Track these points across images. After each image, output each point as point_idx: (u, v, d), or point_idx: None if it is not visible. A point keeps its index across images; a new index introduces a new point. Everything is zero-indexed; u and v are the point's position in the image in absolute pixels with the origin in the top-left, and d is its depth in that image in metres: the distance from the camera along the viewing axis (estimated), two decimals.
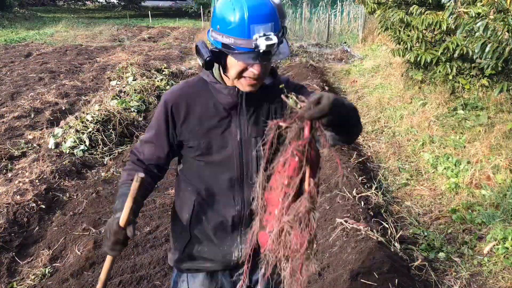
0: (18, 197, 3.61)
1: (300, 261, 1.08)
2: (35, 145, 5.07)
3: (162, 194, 3.84)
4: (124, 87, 7.27)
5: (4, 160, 4.59)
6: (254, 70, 1.29)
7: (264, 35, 1.22)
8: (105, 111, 5.42)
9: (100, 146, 4.96)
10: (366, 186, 3.65)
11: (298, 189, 1.11)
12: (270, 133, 1.11)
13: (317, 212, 1.10)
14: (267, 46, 1.21)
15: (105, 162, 4.74)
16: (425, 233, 3.21)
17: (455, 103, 5.39)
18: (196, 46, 1.37)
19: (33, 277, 2.78)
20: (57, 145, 4.87)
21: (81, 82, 8.41)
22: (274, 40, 1.21)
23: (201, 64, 1.37)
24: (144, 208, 3.53)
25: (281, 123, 1.10)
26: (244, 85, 1.35)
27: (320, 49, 12.75)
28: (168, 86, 7.87)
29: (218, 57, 1.34)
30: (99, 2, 35.71)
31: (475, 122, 4.74)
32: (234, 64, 1.31)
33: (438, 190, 3.85)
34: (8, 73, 9.22)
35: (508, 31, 3.41)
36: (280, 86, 1.15)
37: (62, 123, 5.45)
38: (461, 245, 3.05)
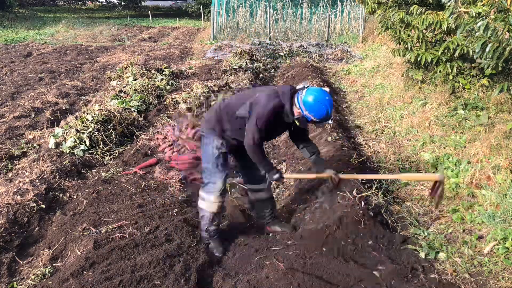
0: (19, 197, 3.61)
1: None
2: (35, 145, 5.08)
3: (162, 194, 3.84)
4: (124, 87, 7.27)
5: (4, 160, 4.59)
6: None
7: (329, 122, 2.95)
8: (105, 111, 5.42)
9: (101, 146, 4.96)
10: (366, 186, 3.65)
11: None
12: None
13: None
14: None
15: (105, 162, 4.74)
16: (425, 233, 3.20)
17: (456, 103, 5.39)
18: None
19: (33, 277, 2.78)
20: (57, 145, 4.88)
21: (81, 82, 8.42)
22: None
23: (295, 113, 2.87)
24: (144, 208, 3.53)
25: None
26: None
27: (320, 49, 12.75)
28: (168, 86, 7.88)
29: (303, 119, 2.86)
30: (99, 2, 35.73)
31: (476, 122, 4.74)
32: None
33: None
34: (9, 73, 9.23)
35: (508, 31, 3.41)
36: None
37: (62, 123, 5.45)
38: (461, 245, 3.05)
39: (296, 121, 2.88)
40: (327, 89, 2.82)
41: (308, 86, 2.85)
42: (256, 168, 3.10)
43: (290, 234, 3.21)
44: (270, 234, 3.32)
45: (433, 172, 4.13)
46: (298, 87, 2.89)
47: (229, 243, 3.18)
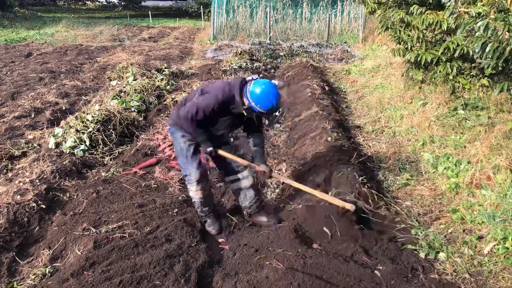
0: (19, 197, 3.61)
1: None
2: (35, 145, 5.08)
3: (162, 194, 3.84)
4: (124, 87, 7.27)
5: (4, 160, 4.59)
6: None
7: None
8: (106, 111, 5.42)
9: (101, 146, 4.96)
10: (366, 186, 3.65)
11: None
12: None
13: None
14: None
15: (105, 162, 4.74)
16: (425, 233, 3.20)
17: (456, 103, 5.39)
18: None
19: (33, 277, 2.78)
20: (57, 145, 4.88)
21: (82, 82, 8.42)
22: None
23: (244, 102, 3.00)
24: (144, 208, 3.53)
25: None
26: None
27: (321, 49, 12.75)
28: (168, 86, 7.88)
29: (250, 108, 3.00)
30: (99, 2, 35.74)
31: (476, 122, 4.74)
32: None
33: (439, 190, 3.85)
34: (9, 73, 9.22)
35: (508, 31, 3.41)
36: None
37: (62, 123, 5.45)
38: (461, 245, 3.05)
39: (244, 112, 3.01)
40: (276, 82, 2.96)
41: (257, 78, 2.97)
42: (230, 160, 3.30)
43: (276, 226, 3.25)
44: (265, 232, 3.32)
45: (434, 171, 4.14)
46: (247, 78, 3.01)
47: (229, 242, 3.18)
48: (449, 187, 3.76)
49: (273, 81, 2.98)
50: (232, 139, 4.77)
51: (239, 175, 3.35)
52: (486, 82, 5.12)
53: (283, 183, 3.94)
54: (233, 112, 3.07)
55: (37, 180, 3.97)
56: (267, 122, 6.04)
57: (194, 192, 3.27)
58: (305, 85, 7.54)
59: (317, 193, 3.14)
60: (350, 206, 2.96)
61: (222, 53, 12.17)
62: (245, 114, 3.02)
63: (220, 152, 3.19)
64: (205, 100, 2.97)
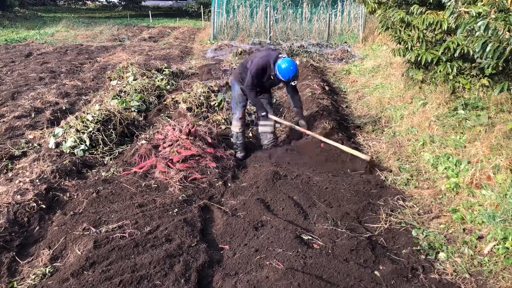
0: (19, 196, 3.61)
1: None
2: (35, 144, 5.08)
3: (162, 194, 3.84)
4: (124, 87, 7.27)
5: (4, 159, 4.59)
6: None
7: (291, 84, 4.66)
8: (106, 111, 5.42)
9: (101, 146, 4.96)
10: None
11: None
12: None
13: None
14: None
15: (105, 162, 4.74)
16: (425, 233, 3.20)
17: (456, 103, 5.38)
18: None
19: (33, 276, 2.78)
20: (57, 144, 4.88)
21: (82, 81, 8.42)
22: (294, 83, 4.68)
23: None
24: (144, 208, 3.53)
25: None
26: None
27: (321, 48, 12.74)
28: (168, 86, 7.88)
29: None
30: (99, 1, 35.74)
31: (476, 122, 4.74)
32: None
33: (439, 190, 3.85)
34: (9, 72, 9.22)
35: (509, 31, 3.41)
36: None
37: (62, 122, 5.45)
38: (461, 245, 3.05)
39: (271, 76, 4.50)
40: (297, 61, 4.01)
41: (285, 57, 4.43)
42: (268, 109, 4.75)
43: None
44: (265, 235, 3.32)
45: (434, 171, 4.14)
46: (280, 55, 4.46)
47: (230, 242, 3.18)
48: (449, 187, 3.76)
49: (294, 59, 4.30)
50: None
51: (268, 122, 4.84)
52: (486, 82, 5.12)
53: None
54: (271, 74, 4.49)
55: (37, 180, 3.97)
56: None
57: (235, 126, 4.84)
58: (305, 85, 7.54)
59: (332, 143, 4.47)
60: (365, 157, 4.04)
61: (222, 53, 12.18)
62: (272, 78, 4.51)
63: (271, 116, 4.76)
64: (253, 68, 4.46)
